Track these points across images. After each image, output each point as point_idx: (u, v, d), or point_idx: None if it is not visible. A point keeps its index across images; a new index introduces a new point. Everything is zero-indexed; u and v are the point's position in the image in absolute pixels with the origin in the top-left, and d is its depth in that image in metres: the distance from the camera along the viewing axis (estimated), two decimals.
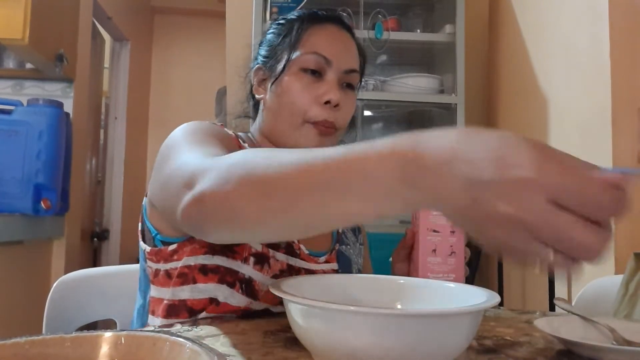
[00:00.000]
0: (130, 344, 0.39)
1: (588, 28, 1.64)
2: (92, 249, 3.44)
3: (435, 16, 2.42)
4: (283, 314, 0.56)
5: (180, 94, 4.39)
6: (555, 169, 0.36)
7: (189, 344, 0.37)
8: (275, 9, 2.11)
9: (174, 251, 0.78)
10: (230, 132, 0.86)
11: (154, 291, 0.81)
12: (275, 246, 0.81)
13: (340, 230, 0.96)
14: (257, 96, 0.92)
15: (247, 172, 0.50)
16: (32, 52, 2.08)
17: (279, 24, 0.94)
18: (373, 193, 0.44)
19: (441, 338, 0.47)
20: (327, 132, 0.85)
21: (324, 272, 0.87)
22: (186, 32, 4.48)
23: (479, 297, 0.55)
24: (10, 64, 2.42)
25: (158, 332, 0.40)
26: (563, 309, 0.72)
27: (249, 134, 0.95)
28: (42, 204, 1.97)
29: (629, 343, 0.60)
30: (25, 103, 2.05)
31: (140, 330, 0.40)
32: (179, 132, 0.74)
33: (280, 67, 0.87)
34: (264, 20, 2.10)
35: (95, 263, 3.42)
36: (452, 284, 0.64)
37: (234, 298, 0.76)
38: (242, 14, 2.38)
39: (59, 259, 2.37)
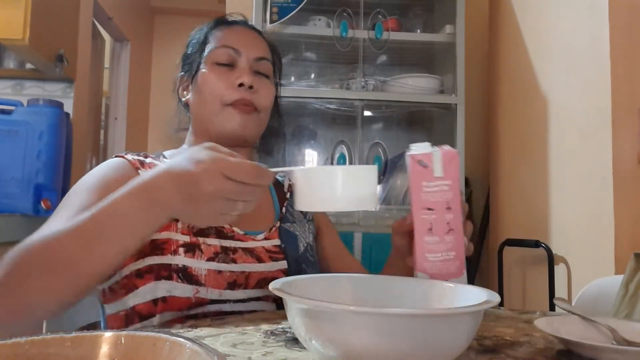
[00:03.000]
0: (130, 344, 0.39)
1: (588, 28, 1.64)
2: None
3: (435, 16, 2.42)
4: (283, 314, 0.56)
5: None
6: (220, 158, 0.59)
7: (189, 344, 0.37)
8: (275, 9, 2.10)
9: None
10: (130, 157, 0.88)
11: (108, 309, 0.84)
12: (204, 234, 0.84)
13: (283, 210, 0.99)
14: (182, 99, 1.00)
15: (25, 256, 0.62)
16: (33, 53, 2.09)
17: (192, 37, 1.03)
18: (127, 227, 0.62)
19: (441, 338, 0.47)
20: (247, 110, 0.92)
21: (264, 248, 0.89)
22: (186, 33, 4.46)
23: (479, 297, 0.55)
24: (10, 64, 2.42)
25: (158, 332, 0.40)
26: (563, 309, 0.72)
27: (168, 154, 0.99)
28: (43, 204, 1.97)
29: (629, 343, 0.60)
30: (25, 103, 2.05)
31: (140, 330, 0.40)
32: (74, 188, 0.81)
33: (195, 66, 0.96)
34: (264, 20, 2.10)
35: None
36: (452, 284, 0.64)
37: (177, 289, 0.78)
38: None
39: None
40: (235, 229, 0.88)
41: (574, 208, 1.73)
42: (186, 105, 1.00)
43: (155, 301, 0.78)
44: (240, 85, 0.91)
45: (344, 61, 2.31)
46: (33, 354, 0.37)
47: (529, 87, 2.05)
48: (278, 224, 0.95)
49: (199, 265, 0.80)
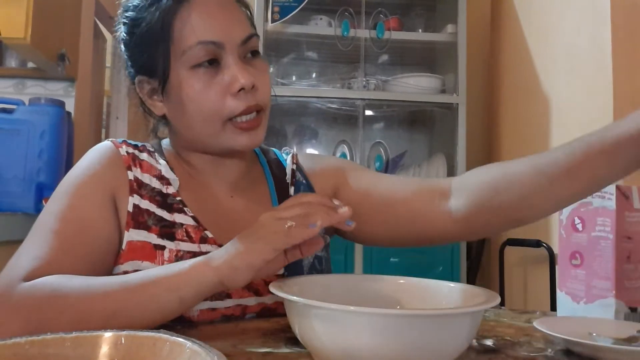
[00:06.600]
0: (130, 344, 0.39)
1: (590, 28, 1.64)
2: None
3: (437, 16, 2.42)
4: (283, 314, 0.56)
5: None
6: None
7: (189, 344, 0.37)
8: (276, 9, 2.10)
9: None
10: (124, 152, 0.76)
11: None
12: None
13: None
14: (157, 113, 0.78)
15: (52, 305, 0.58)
16: (34, 52, 2.08)
17: (131, 18, 0.75)
18: (172, 288, 0.59)
19: (441, 338, 0.47)
20: (255, 124, 0.73)
21: (263, 279, 0.76)
22: None
23: (479, 297, 0.55)
24: (12, 63, 2.42)
25: (158, 332, 0.40)
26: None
27: (165, 145, 0.84)
28: (44, 203, 1.97)
29: (629, 343, 0.60)
30: (27, 102, 2.05)
31: (140, 330, 0.40)
32: (55, 197, 0.75)
33: (161, 68, 0.72)
34: (266, 19, 2.10)
35: None
36: (452, 284, 0.64)
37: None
38: None
39: None
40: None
41: None
42: (162, 117, 0.79)
43: None
44: (240, 89, 0.70)
45: (345, 60, 2.31)
46: (33, 354, 0.37)
47: (530, 86, 2.05)
48: None
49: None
